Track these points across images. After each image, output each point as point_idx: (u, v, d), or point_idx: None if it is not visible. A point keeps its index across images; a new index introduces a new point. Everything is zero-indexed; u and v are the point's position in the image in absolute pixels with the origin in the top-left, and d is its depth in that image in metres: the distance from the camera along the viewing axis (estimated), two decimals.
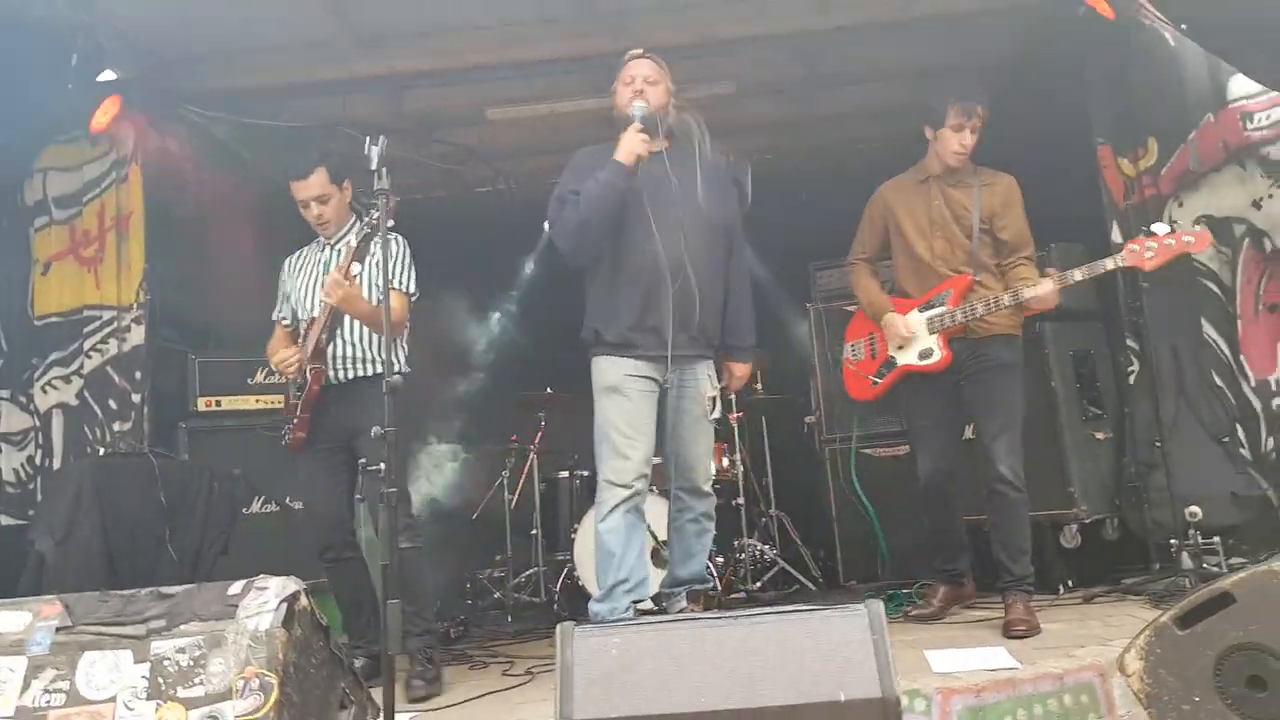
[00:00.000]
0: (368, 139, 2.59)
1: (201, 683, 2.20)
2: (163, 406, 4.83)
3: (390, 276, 3.58)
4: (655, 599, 4.48)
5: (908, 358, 3.86)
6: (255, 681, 2.17)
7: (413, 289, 3.77)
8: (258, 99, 5.26)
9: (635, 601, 3.38)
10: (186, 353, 4.97)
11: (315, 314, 3.70)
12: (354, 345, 3.68)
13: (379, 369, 3.63)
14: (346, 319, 3.63)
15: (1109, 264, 3.59)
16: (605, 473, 3.43)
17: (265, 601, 2.26)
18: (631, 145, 3.34)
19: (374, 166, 2.61)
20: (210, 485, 4.16)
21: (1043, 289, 3.59)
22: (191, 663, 2.22)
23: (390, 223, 3.00)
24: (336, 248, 3.82)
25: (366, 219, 3.17)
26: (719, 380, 3.66)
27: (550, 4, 4.77)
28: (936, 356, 3.76)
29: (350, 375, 3.69)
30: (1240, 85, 4.80)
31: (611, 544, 3.34)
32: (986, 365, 3.74)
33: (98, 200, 5.02)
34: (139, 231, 4.97)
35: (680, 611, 3.63)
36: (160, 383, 4.84)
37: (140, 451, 4.43)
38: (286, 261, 4.00)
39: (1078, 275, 3.60)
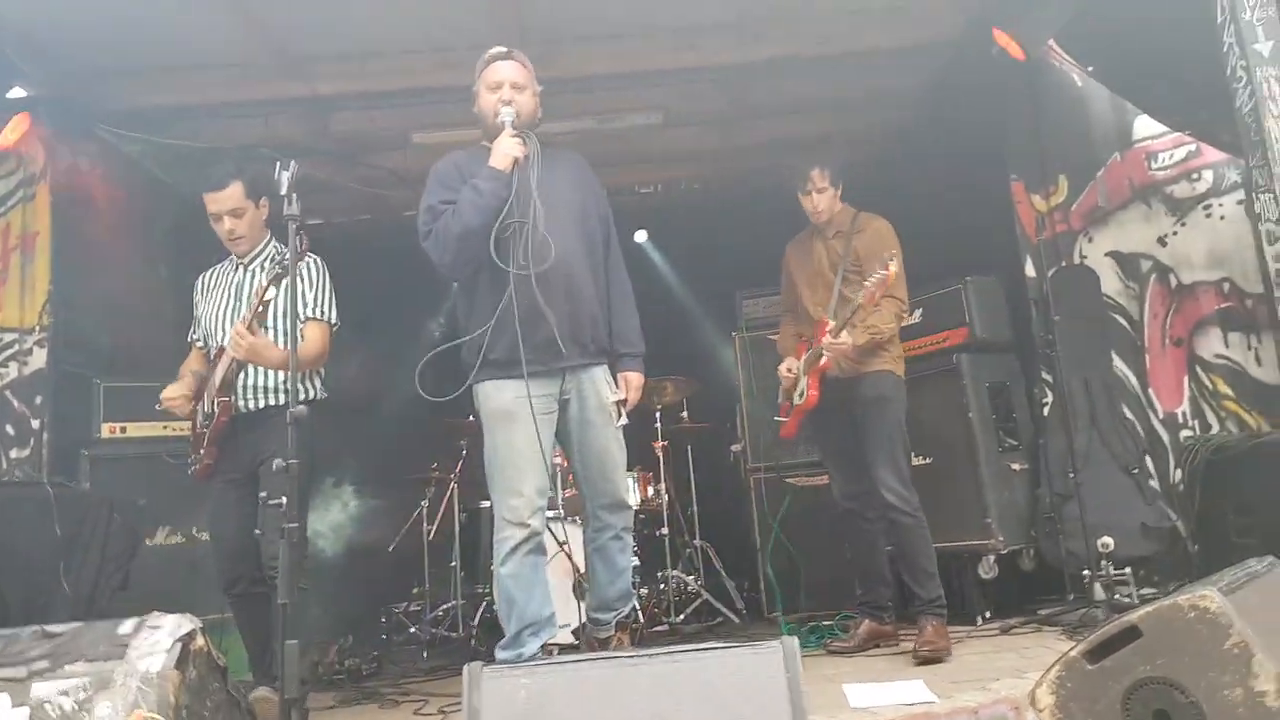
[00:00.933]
0: (278, 164, 2.52)
1: None
2: (64, 433, 4.63)
3: (309, 305, 3.55)
4: (579, 630, 4.41)
5: (795, 398, 4.13)
6: None
7: (334, 318, 3.66)
8: (175, 118, 5.13)
9: (545, 643, 3.19)
10: (91, 377, 4.78)
11: (224, 343, 3.53)
12: (264, 373, 3.56)
13: (282, 400, 3.53)
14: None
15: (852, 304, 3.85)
16: (501, 510, 3.19)
17: (157, 641, 2.16)
18: (508, 149, 3.19)
19: (284, 191, 2.53)
20: (110, 516, 3.97)
21: (824, 345, 3.87)
22: (75, 706, 2.10)
23: (304, 247, 2.95)
24: (250, 268, 3.70)
25: (277, 255, 3.10)
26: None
27: (479, 31, 4.73)
28: (805, 395, 4.05)
29: (260, 404, 3.56)
30: (1145, 126, 5.01)
31: (513, 590, 3.14)
32: (857, 402, 4.00)
33: (3, 219, 4.82)
34: (45, 252, 4.79)
35: (608, 640, 3.52)
36: (62, 408, 4.65)
37: (36, 481, 4.23)
38: (199, 278, 3.87)
39: (828, 340, 3.84)
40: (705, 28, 4.91)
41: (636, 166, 6.32)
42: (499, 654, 3.14)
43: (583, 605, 4.89)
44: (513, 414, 3.19)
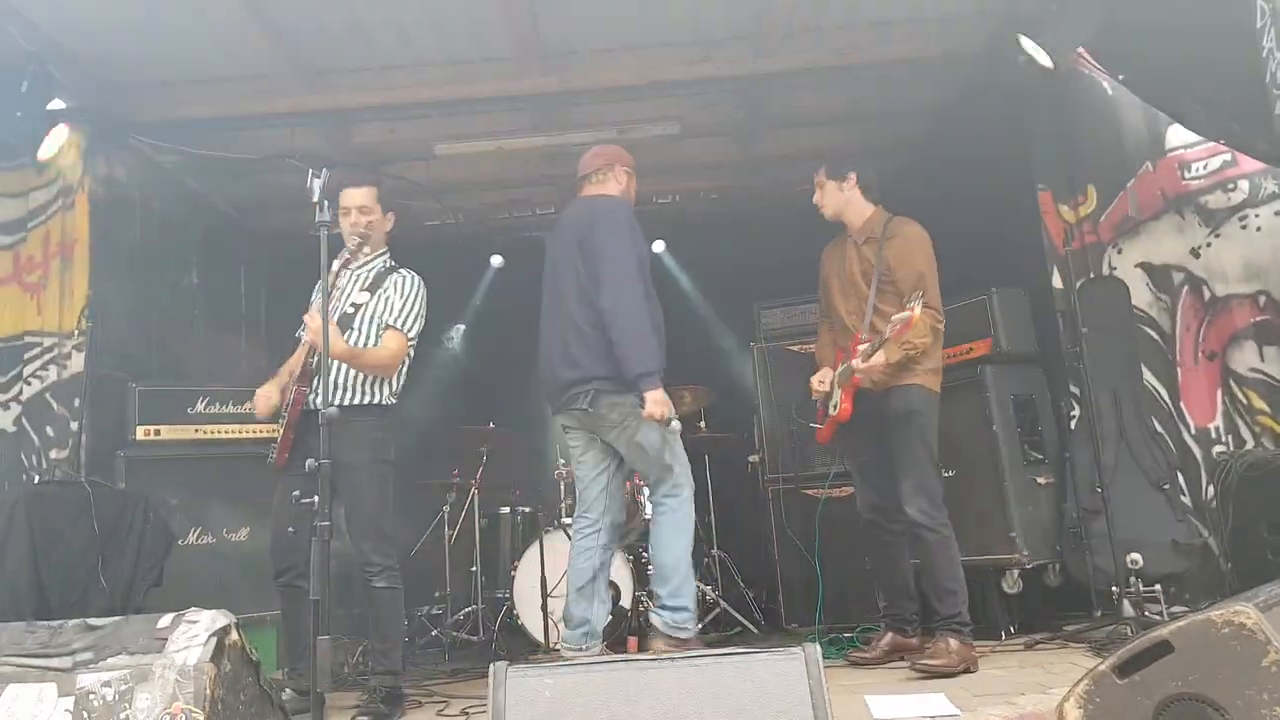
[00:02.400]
0: (310, 171, 2.57)
1: (127, 717, 2.13)
2: (101, 435, 4.74)
3: (395, 314, 3.71)
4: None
5: (830, 409, 4.04)
6: (182, 717, 2.11)
7: (413, 334, 3.77)
8: (205, 129, 5.25)
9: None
10: (127, 381, 4.87)
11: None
12: (339, 370, 3.63)
13: (358, 398, 3.64)
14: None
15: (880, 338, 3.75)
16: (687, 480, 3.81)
17: (195, 635, 2.21)
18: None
19: (315, 199, 2.59)
20: (145, 515, 4.06)
21: (854, 364, 3.80)
22: (117, 697, 2.15)
23: (347, 255, 3.36)
24: (356, 272, 3.81)
25: (385, 269, 3.42)
26: None
27: (496, 43, 4.81)
28: (838, 409, 3.94)
29: (324, 401, 3.63)
30: (1177, 135, 4.94)
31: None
32: (886, 417, 3.90)
33: (43, 227, 4.98)
34: (83, 259, 4.91)
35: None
36: (99, 411, 4.75)
37: (75, 480, 4.33)
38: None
39: (874, 348, 3.75)
40: (723, 39, 4.96)
41: (654, 177, 6.35)
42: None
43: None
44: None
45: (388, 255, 3.90)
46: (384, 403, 3.74)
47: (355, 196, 3.79)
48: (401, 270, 3.82)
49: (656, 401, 3.57)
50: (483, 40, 4.77)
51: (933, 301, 3.85)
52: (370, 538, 3.57)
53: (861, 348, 3.80)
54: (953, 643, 3.63)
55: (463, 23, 4.60)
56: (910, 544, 3.96)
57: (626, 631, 4.81)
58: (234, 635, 2.24)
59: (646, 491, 4.47)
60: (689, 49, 5.00)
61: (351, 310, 3.63)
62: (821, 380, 4.06)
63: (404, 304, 3.73)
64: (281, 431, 3.63)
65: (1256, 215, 4.86)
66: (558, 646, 4.87)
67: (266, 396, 3.71)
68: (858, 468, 4.16)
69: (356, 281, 3.78)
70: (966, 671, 3.58)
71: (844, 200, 4.05)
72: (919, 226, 3.97)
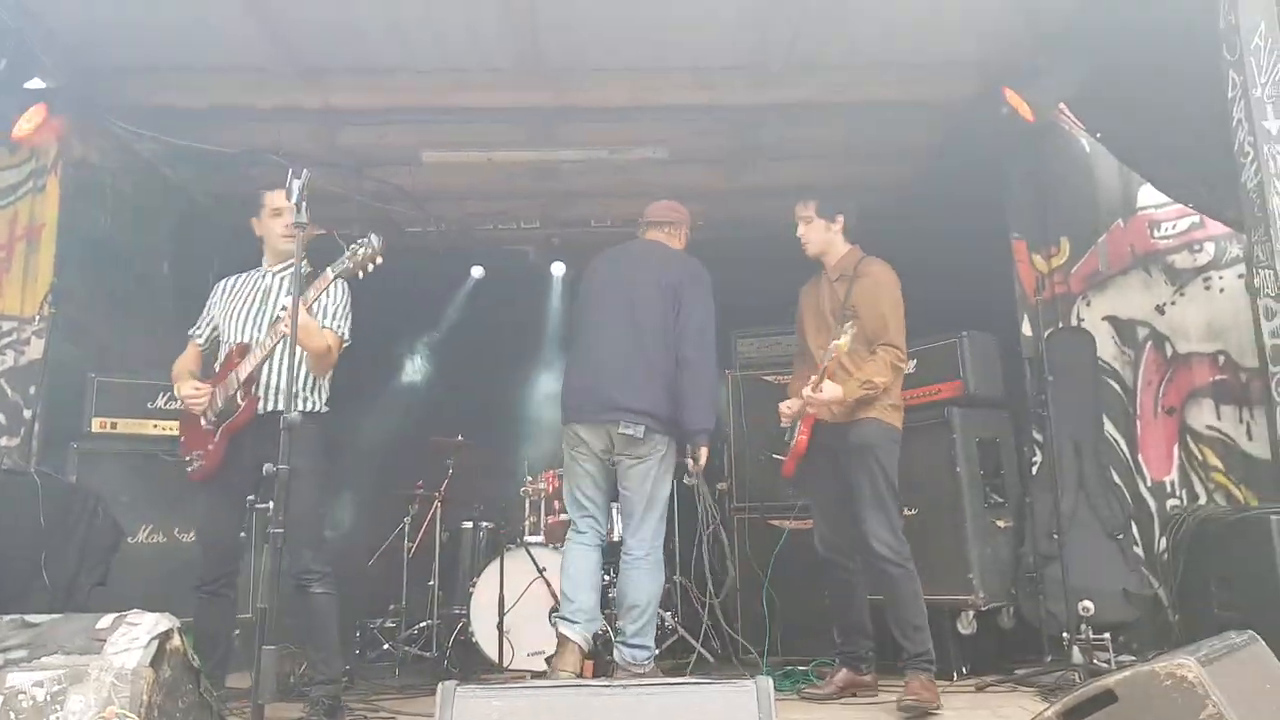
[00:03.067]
0: (290, 171, 2.54)
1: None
2: (55, 424, 4.64)
3: (330, 317, 3.67)
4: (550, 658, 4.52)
5: (791, 440, 4.08)
6: None
7: (347, 336, 3.76)
8: (187, 119, 5.17)
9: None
10: (86, 371, 4.78)
11: (247, 340, 3.65)
12: (282, 376, 3.58)
13: (303, 405, 3.64)
14: (278, 352, 3.57)
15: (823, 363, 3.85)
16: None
17: (135, 638, 2.16)
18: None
19: (294, 200, 2.56)
20: (94, 510, 3.95)
21: (805, 393, 3.87)
22: (49, 698, 2.09)
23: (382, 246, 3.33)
24: (280, 275, 3.78)
25: (341, 259, 3.33)
26: None
27: (496, 54, 4.80)
28: (795, 440, 4.03)
29: (272, 407, 3.60)
30: (1149, 195, 5.06)
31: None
32: (843, 449, 3.95)
33: (11, 208, 4.87)
34: (50, 243, 4.82)
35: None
36: (55, 400, 4.66)
37: (24, 470, 4.21)
38: (221, 283, 3.93)
39: (807, 392, 3.85)
40: (720, 68, 4.98)
41: (640, 199, 6.36)
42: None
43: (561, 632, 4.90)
44: None
45: (305, 260, 3.86)
46: (321, 410, 3.75)
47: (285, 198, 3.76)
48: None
49: (704, 455, 3.96)
50: (481, 50, 4.75)
51: (895, 340, 3.92)
52: (310, 545, 3.54)
53: (814, 378, 3.85)
54: (925, 680, 3.69)
55: (463, 31, 4.58)
56: (875, 579, 3.95)
57: (584, 656, 4.76)
58: (176, 640, 2.20)
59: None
60: (685, 74, 5.01)
61: (283, 313, 3.55)
62: (789, 407, 4.09)
63: (335, 308, 3.71)
64: (216, 440, 3.58)
65: (1220, 277, 4.97)
66: (511, 666, 4.88)
67: (204, 395, 3.65)
68: (815, 503, 4.19)
69: (282, 284, 3.74)
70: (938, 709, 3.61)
71: (829, 239, 4.12)
72: (888, 268, 4.05)
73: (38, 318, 4.70)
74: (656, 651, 4.43)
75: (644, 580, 3.90)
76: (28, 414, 4.57)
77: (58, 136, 4.81)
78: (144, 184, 5.55)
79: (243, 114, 5.16)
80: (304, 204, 2.59)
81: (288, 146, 5.26)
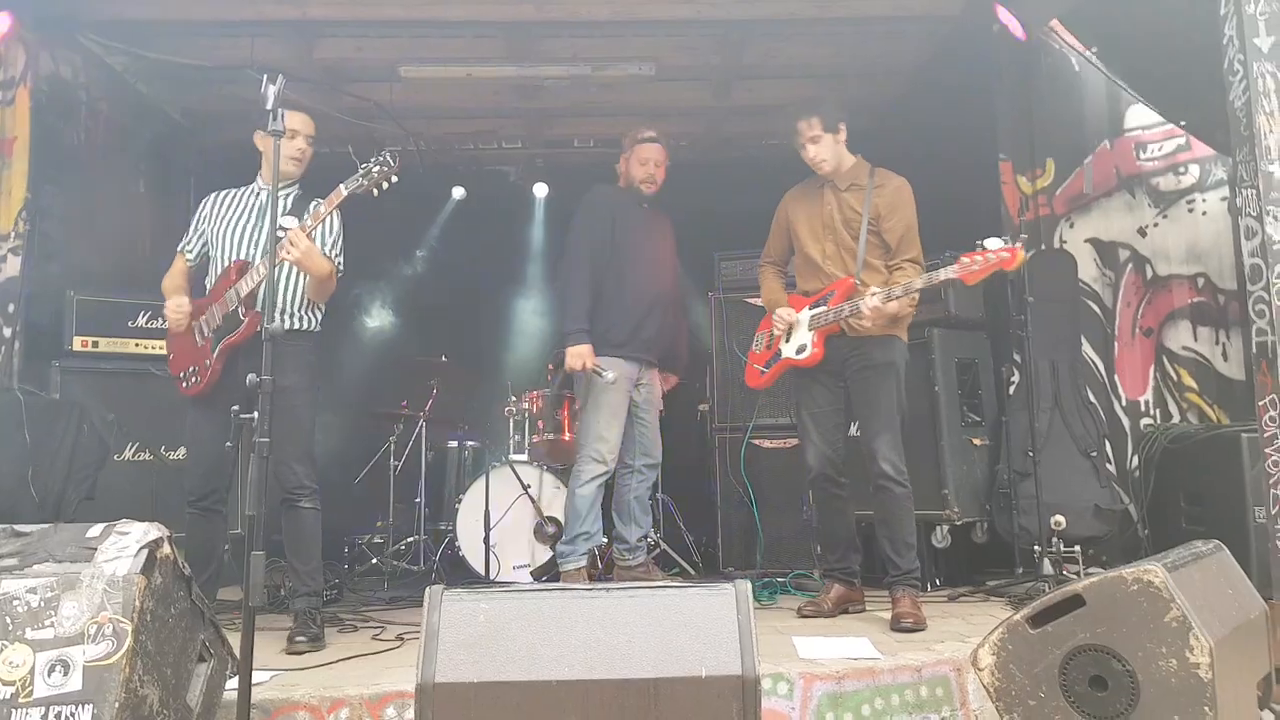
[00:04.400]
0: (265, 77, 2.50)
1: (52, 625, 2.11)
2: (36, 343, 4.61)
3: (326, 246, 3.66)
4: (539, 570, 4.71)
5: (789, 351, 3.97)
6: (109, 627, 2.09)
7: (342, 266, 3.75)
8: (160, 32, 5.06)
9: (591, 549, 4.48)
10: (65, 288, 4.75)
11: (244, 257, 3.63)
12: (281, 295, 3.63)
13: (298, 324, 3.66)
14: (281, 271, 3.57)
15: (940, 275, 3.63)
16: (589, 450, 4.35)
17: (125, 546, 2.18)
18: (606, 380, 4.30)
19: (269, 106, 2.52)
20: (80, 425, 3.98)
21: (864, 304, 3.67)
22: (42, 604, 2.12)
23: (397, 165, 3.34)
24: (283, 196, 3.73)
25: (355, 176, 3.34)
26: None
27: None
28: (809, 352, 3.87)
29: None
30: (1137, 116, 5.04)
31: (581, 506, 4.34)
32: (865, 365, 3.85)
33: None
34: (23, 158, 4.71)
35: (640, 565, 4.59)
36: (35, 318, 4.62)
37: (6, 387, 4.22)
38: (210, 198, 3.88)
39: (897, 291, 3.65)
40: None
41: (625, 118, 6.28)
42: (560, 547, 4.45)
43: (542, 548, 5.02)
44: (617, 382, 4.33)
45: (298, 185, 3.85)
46: (315, 330, 3.76)
47: (306, 122, 3.74)
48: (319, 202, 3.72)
49: (568, 357, 4.35)
50: None
51: (919, 256, 3.87)
52: (303, 460, 3.59)
53: (875, 289, 3.67)
54: (913, 596, 3.71)
55: None
56: (873, 497, 3.86)
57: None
58: (166, 548, 2.22)
59: None
60: None
61: (281, 234, 3.50)
62: (790, 316, 3.95)
63: (333, 237, 3.70)
64: (214, 356, 3.58)
65: (1204, 200, 4.99)
66: (498, 578, 4.98)
67: (187, 310, 3.66)
68: (812, 417, 4.00)
69: (284, 205, 3.71)
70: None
71: (838, 152, 3.95)
72: (905, 181, 3.95)
73: (13, 234, 4.61)
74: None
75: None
76: (7, 332, 4.53)
77: (26, 48, 4.69)
78: (118, 101, 5.44)
79: (216, 28, 5.07)
80: (280, 111, 2.55)
81: (263, 61, 5.15)
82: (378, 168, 3.30)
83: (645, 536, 4.71)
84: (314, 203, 3.66)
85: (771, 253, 4.24)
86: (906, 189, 3.93)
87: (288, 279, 3.66)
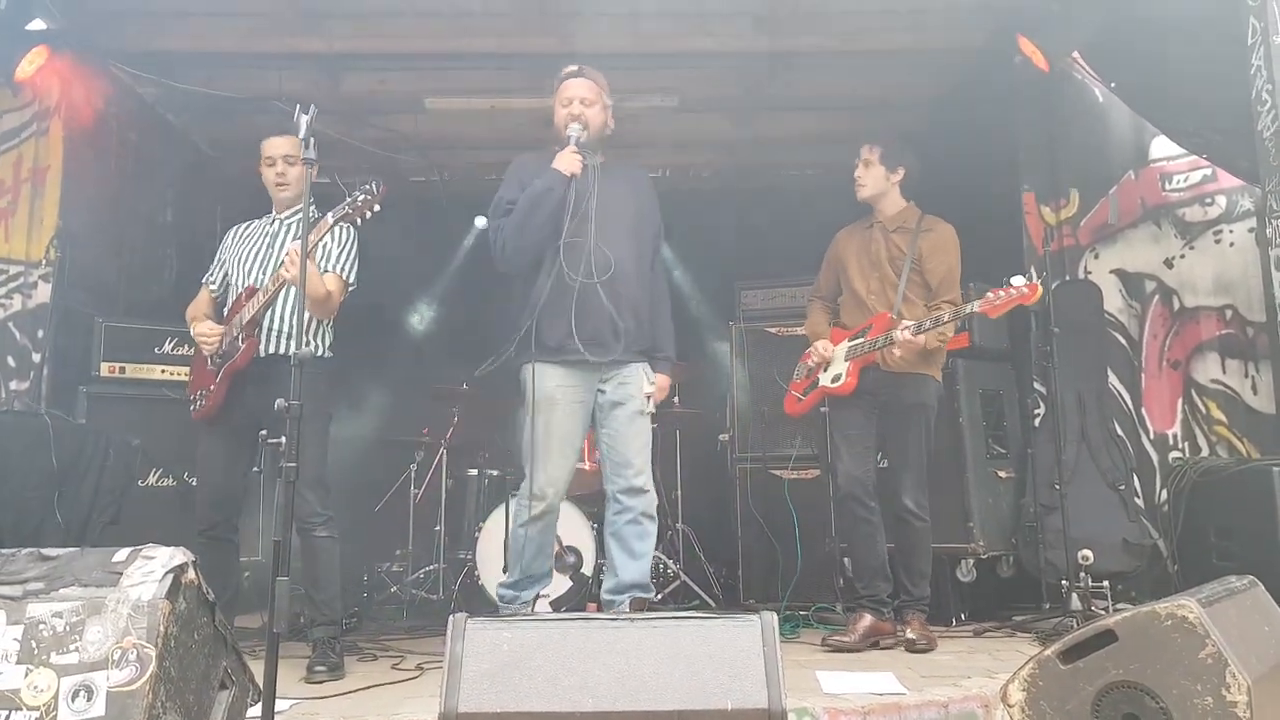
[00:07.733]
0: (298, 106, 2.53)
1: (77, 650, 2.10)
2: (64, 368, 4.66)
3: (334, 260, 3.68)
4: (558, 602, 4.63)
5: (825, 380, 4.11)
6: (133, 652, 2.08)
7: (353, 280, 3.77)
8: (189, 64, 5.14)
9: (538, 593, 3.73)
10: (93, 315, 4.80)
11: (254, 284, 3.67)
12: (284, 320, 3.65)
13: (311, 350, 3.66)
14: (281, 296, 3.60)
15: (965, 309, 3.77)
16: (529, 482, 3.53)
17: (151, 571, 2.18)
18: (568, 164, 3.48)
19: (301, 135, 2.55)
20: (106, 451, 4.00)
21: (896, 334, 3.78)
22: (68, 628, 2.12)
23: (382, 191, 3.32)
24: (287, 223, 3.80)
25: (340, 205, 3.34)
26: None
27: None
28: (843, 381, 4.02)
29: (274, 350, 3.63)
30: (1162, 146, 5.02)
31: (524, 546, 3.59)
32: (897, 402, 3.99)
33: (15, 151, 4.84)
34: (55, 187, 4.81)
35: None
36: (63, 344, 4.68)
37: (35, 412, 4.26)
38: (232, 230, 3.96)
39: (927, 324, 3.76)
40: (728, 14, 4.93)
41: (647, 150, 6.32)
42: (500, 590, 3.69)
43: (562, 578, 4.99)
44: (553, 399, 3.52)
45: (313, 203, 3.87)
46: (326, 355, 3.77)
47: (279, 146, 3.76)
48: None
49: None
50: None
51: (958, 299, 3.98)
52: (315, 487, 3.58)
53: (908, 322, 3.79)
54: (923, 619, 3.89)
55: None
56: (894, 526, 4.02)
57: (587, 598, 4.85)
58: (191, 574, 2.21)
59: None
60: (692, 20, 4.96)
61: (285, 258, 3.55)
62: (827, 348, 4.10)
63: (341, 251, 3.71)
64: (217, 381, 3.62)
65: (1231, 231, 4.95)
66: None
67: (215, 335, 3.70)
68: (845, 440, 4.09)
69: (289, 230, 3.76)
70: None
71: (886, 188, 4.12)
72: (952, 228, 4.10)
73: (44, 261, 4.70)
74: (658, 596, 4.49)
75: None
76: (36, 358, 4.59)
77: (60, 79, 4.78)
78: (148, 131, 5.52)
79: (245, 60, 5.15)
80: (312, 140, 2.58)
81: (290, 93, 5.22)
82: (362, 197, 3.33)
83: (631, 586, 3.60)
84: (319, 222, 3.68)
85: (821, 289, 4.39)
86: (952, 235, 4.08)
87: (287, 305, 3.67)
